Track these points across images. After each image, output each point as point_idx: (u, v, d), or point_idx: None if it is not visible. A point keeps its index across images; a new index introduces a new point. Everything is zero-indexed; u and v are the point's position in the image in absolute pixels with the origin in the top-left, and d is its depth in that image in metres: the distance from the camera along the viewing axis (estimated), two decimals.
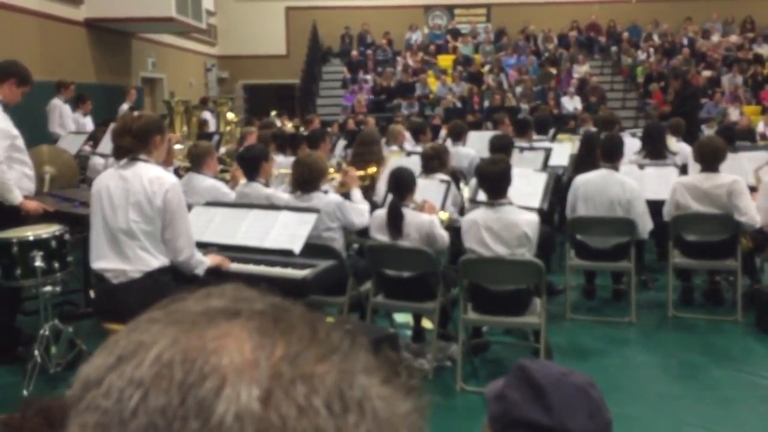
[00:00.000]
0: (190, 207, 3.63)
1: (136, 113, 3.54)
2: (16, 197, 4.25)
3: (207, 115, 11.21)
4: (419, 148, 6.67)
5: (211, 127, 10.86)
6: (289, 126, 10.33)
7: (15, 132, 4.34)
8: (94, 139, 7.42)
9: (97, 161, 6.64)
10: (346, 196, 4.55)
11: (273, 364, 0.41)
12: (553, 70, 16.47)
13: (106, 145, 5.67)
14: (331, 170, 5.15)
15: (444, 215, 4.43)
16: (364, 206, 4.40)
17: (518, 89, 15.70)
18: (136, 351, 0.42)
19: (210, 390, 0.39)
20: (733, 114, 13.94)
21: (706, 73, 15.98)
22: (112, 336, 0.45)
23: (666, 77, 15.30)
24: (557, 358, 4.24)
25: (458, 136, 7.21)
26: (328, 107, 16.33)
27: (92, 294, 4.18)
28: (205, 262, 3.38)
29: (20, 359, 4.11)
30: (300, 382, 0.40)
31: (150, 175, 3.21)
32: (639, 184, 5.16)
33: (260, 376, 0.40)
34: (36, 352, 3.86)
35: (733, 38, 17.49)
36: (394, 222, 4.08)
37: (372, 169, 5.65)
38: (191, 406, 0.39)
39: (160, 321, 0.44)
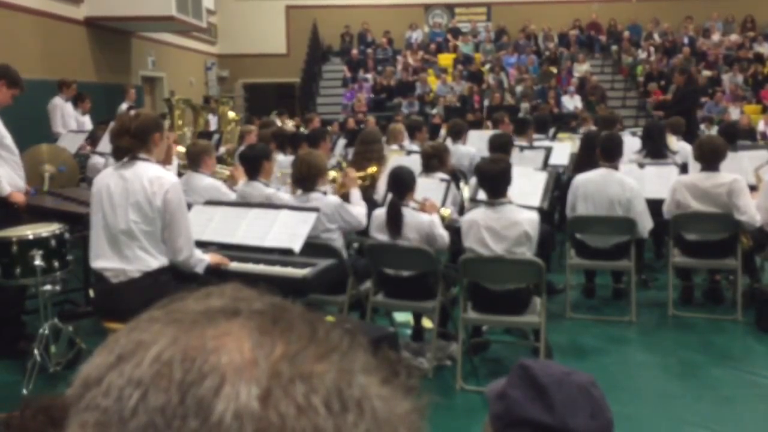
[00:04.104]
0: (189, 206, 3.63)
1: (132, 112, 3.54)
2: (4, 189, 4.32)
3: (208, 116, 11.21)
4: (415, 147, 6.68)
5: (212, 126, 10.86)
6: (289, 125, 10.33)
7: (4, 131, 4.38)
8: (93, 138, 7.42)
9: (96, 160, 6.64)
10: (345, 197, 4.55)
11: (272, 363, 0.41)
12: (554, 69, 16.47)
13: (106, 144, 5.67)
14: (333, 174, 5.14)
15: (445, 212, 4.43)
16: (362, 208, 4.40)
17: (518, 88, 15.69)
18: (135, 350, 0.42)
19: (209, 389, 0.39)
20: (734, 113, 13.94)
21: (707, 73, 15.98)
22: (112, 335, 0.45)
23: (667, 75, 15.30)
24: (557, 357, 4.24)
25: (458, 135, 7.21)
26: (328, 106, 16.33)
27: (92, 293, 4.19)
28: (204, 260, 3.38)
29: (22, 353, 4.12)
30: (299, 381, 0.40)
31: (150, 175, 3.20)
32: (639, 183, 5.16)
33: (259, 375, 0.40)
34: (36, 351, 3.86)
35: (734, 37, 17.48)
36: (394, 221, 4.08)
37: (372, 169, 5.64)
38: (190, 405, 0.39)
39: (159, 320, 0.44)
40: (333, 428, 0.40)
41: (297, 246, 3.59)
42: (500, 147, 5.68)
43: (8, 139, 4.41)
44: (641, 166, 5.78)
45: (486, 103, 15.13)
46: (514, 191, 4.07)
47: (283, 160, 6.02)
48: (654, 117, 12.07)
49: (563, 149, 6.99)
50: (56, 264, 3.97)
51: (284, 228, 3.70)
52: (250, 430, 0.38)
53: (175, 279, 3.29)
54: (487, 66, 16.96)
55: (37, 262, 3.83)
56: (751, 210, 4.78)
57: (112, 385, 0.41)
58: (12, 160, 4.43)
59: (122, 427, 0.39)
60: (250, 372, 0.40)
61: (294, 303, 0.47)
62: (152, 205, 3.19)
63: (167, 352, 0.41)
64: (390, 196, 4.25)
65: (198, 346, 0.41)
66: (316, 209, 3.85)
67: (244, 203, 4.20)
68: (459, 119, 8.37)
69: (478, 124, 11.24)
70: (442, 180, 4.80)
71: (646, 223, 4.98)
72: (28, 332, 4.40)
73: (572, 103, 15.11)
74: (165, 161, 3.81)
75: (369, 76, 16.87)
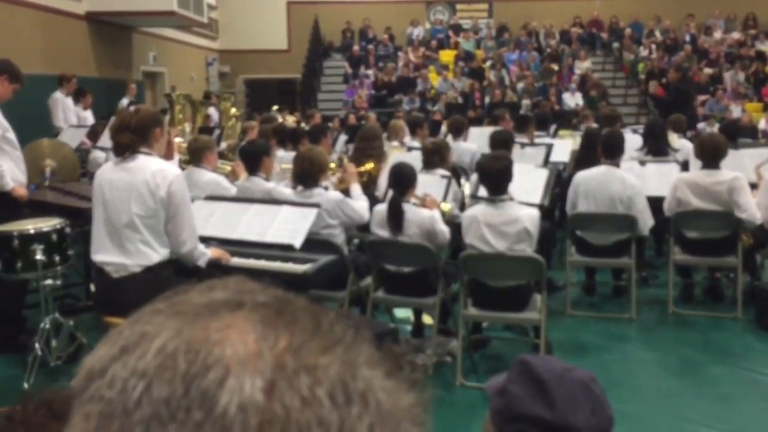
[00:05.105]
0: (192, 201, 3.63)
1: (132, 108, 3.54)
2: (7, 183, 4.34)
3: (210, 110, 11.21)
4: (416, 143, 6.67)
5: (214, 121, 10.85)
6: (290, 121, 10.32)
7: (6, 125, 4.39)
8: (94, 133, 7.42)
9: (97, 155, 6.64)
10: (346, 192, 4.55)
11: (276, 355, 0.41)
12: (555, 66, 16.45)
13: (107, 138, 5.67)
14: (332, 165, 5.14)
15: (446, 207, 4.43)
16: (364, 202, 4.40)
17: (520, 85, 15.68)
18: (139, 342, 0.42)
19: (213, 381, 0.39)
20: (735, 111, 13.93)
21: (708, 70, 15.96)
22: (116, 327, 0.45)
23: (668, 73, 15.28)
24: (557, 354, 4.24)
25: (458, 132, 7.20)
26: (329, 102, 16.33)
27: (92, 287, 4.20)
28: (207, 253, 3.38)
29: (23, 347, 4.13)
30: (303, 373, 0.40)
31: (153, 168, 3.20)
32: (640, 180, 5.16)
33: (264, 367, 0.40)
34: (36, 345, 3.86)
35: (735, 35, 17.46)
36: (395, 218, 4.08)
37: (369, 165, 5.63)
38: (195, 397, 0.39)
39: (163, 312, 0.44)
40: (337, 420, 0.40)
41: (298, 242, 3.59)
42: (501, 144, 5.67)
43: (11, 133, 4.42)
44: (642, 163, 5.78)
45: (487, 99, 15.11)
46: (514, 188, 4.07)
47: (283, 156, 6.01)
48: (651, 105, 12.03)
49: (564, 146, 6.98)
50: (57, 258, 3.97)
51: (285, 224, 3.70)
52: (254, 422, 0.38)
53: (175, 274, 3.29)
54: (489, 63, 16.95)
55: (38, 256, 3.83)
56: (752, 208, 4.78)
57: (116, 376, 0.41)
58: (14, 154, 4.44)
59: (126, 419, 0.39)
60: (254, 364, 0.40)
61: (298, 296, 0.47)
62: (155, 197, 3.18)
63: (171, 344, 0.41)
64: (391, 192, 4.25)
65: (202, 338, 0.41)
66: (317, 205, 3.85)
67: (245, 199, 4.20)
68: (459, 116, 8.37)
69: (478, 121, 11.25)
70: (443, 177, 4.80)
71: (646, 221, 4.98)
72: (29, 326, 4.40)
73: (573, 100, 15.10)
74: (166, 156, 3.81)
75: (370, 72, 16.85)
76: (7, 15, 9.24)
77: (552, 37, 18.01)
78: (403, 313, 4.94)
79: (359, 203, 4.33)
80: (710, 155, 4.92)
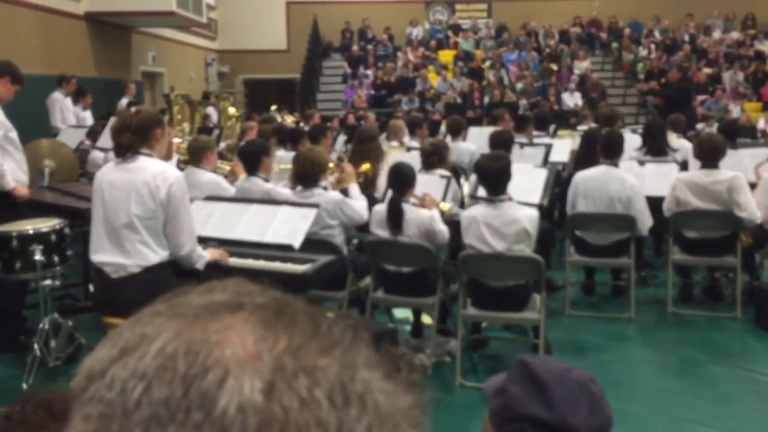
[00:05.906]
0: (191, 201, 3.63)
1: (133, 109, 3.54)
2: (8, 183, 4.34)
3: (210, 109, 11.21)
4: (415, 143, 6.67)
5: (213, 121, 10.85)
6: (289, 121, 10.33)
7: (8, 125, 4.40)
8: (93, 133, 7.41)
9: (97, 155, 6.63)
10: (344, 192, 4.55)
11: (276, 356, 0.41)
12: (554, 66, 16.45)
13: (106, 139, 5.67)
14: (331, 165, 5.14)
15: (445, 206, 4.43)
16: (363, 202, 4.40)
17: (519, 85, 15.68)
18: (139, 343, 0.42)
19: (213, 382, 0.39)
20: (734, 111, 13.94)
21: (707, 70, 15.96)
22: (115, 328, 0.45)
23: (667, 73, 15.29)
24: (556, 354, 4.24)
25: (457, 132, 7.21)
26: (329, 102, 16.33)
27: (92, 288, 4.20)
28: (205, 256, 3.38)
29: (22, 347, 4.13)
30: (302, 374, 0.40)
31: (154, 170, 3.20)
32: (639, 180, 5.16)
33: (263, 368, 0.40)
34: (35, 346, 3.87)
35: (735, 35, 17.47)
36: (394, 218, 4.08)
37: (366, 167, 5.63)
38: (194, 398, 0.39)
39: (163, 314, 0.44)
40: (336, 422, 0.40)
41: (297, 242, 3.59)
42: (500, 144, 5.67)
43: (13, 133, 4.44)
44: (641, 163, 5.78)
45: (486, 100, 15.12)
46: (514, 188, 4.07)
47: (283, 156, 6.01)
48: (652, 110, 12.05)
49: (563, 146, 6.99)
50: (56, 259, 3.97)
51: (284, 224, 3.70)
52: (253, 423, 0.38)
53: (174, 275, 3.29)
54: (488, 63, 16.95)
55: (37, 257, 3.83)
56: (752, 206, 4.78)
57: (115, 377, 0.41)
58: (17, 155, 4.46)
59: (126, 420, 0.39)
60: (253, 365, 0.40)
61: (297, 298, 0.48)
62: (155, 198, 3.18)
63: (171, 346, 0.41)
64: (390, 192, 4.25)
65: (201, 339, 0.41)
66: (316, 205, 3.85)
67: (244, 199, 4.20)
68: (457, 116, 8.37)
69: (478, 121, 11.25)
70: (442, 177, 4.80)
71: (645, 221, 4.98)
72: (29, 327, 4.41)
73: (572, 100, 15.10)
74: (165, 157, 3.81)
75: (369, 72, 16.85)
76: (6, 15, 9.24)
77: (551, 37, 18.01)
78: (402, 313, 4.94)
79: (359, 203, 4.33)
80: (709, 155, 4.92)
